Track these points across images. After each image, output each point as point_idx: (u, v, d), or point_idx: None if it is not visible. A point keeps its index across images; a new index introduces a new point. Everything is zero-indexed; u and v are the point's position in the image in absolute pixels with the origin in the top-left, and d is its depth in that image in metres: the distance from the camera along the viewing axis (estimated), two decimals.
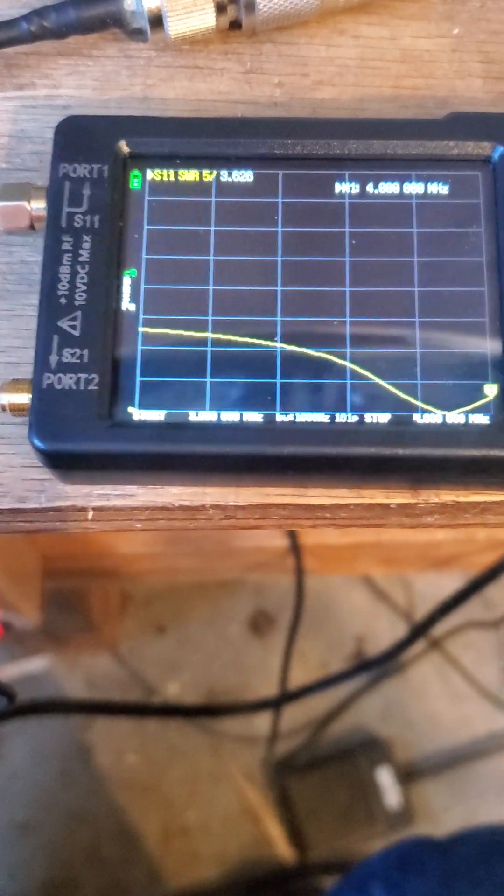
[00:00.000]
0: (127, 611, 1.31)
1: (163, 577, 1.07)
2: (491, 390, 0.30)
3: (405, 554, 0.94)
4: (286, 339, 0.30)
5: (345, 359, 0.30)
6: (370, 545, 0.90)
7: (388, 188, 0.32)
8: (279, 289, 0.30)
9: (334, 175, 0.32)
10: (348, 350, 0.30)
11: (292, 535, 0.87)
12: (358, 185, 0.32)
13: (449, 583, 1.09)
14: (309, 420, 0.29)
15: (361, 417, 0.30)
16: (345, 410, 0.30)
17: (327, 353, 0.30)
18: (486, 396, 0.30)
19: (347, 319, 0.30)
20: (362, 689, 1.27)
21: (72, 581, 0.97)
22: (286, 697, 1.07)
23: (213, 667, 1.29)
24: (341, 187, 0.32)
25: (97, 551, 0.89)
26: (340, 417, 0.30)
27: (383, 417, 0.30)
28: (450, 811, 1.24)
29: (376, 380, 0.30)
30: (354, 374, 0.30)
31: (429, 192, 0.32)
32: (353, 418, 0.30)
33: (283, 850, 1.22)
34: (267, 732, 1.21)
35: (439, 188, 0.31)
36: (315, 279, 0.30)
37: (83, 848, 1.23)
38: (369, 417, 0.30)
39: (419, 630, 1.02)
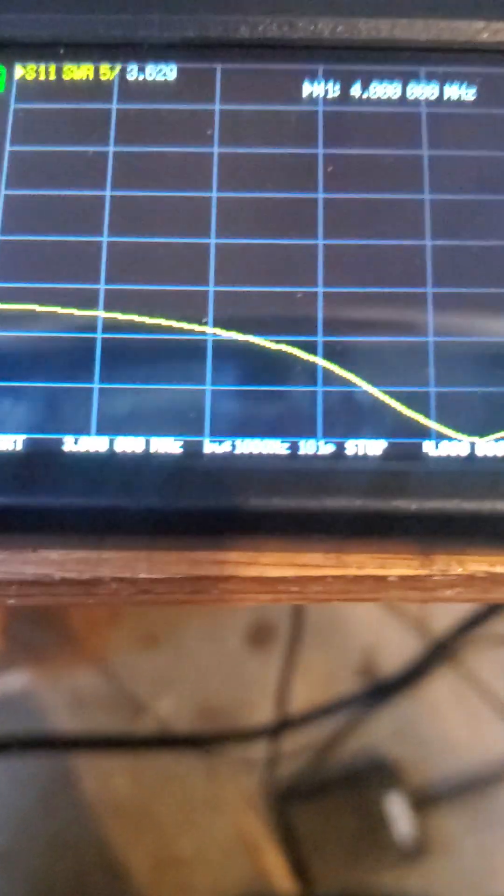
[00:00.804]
0: (116, 621, 1.23)
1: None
2: None
3: None
4: (221, 321, 0.19)
5: (314, 351, 0.19)
6: None
7: (384, 91, 0.20)
8: (212, 241, 0.19)
9: (301, 71, 0.20)
10: (320, 339, 0.19)
11: None
12: (337, 86, 0.20)
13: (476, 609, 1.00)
14: (257, 452, 0.18)
15: (340, 447, 0.18)
16: (314, 436, 0.18)
17: (288, 342, 0.19)
18: None
19: (319, 290, 0.19)
20: (371, 708, 1.19)
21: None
22: (285, 725, 0.98)
23: (209, 682, 1.21)
24: (312, 89, 0.20)
25: None
26: (306, 447, 0.18)
27: (375, 447, 0.19)
28: (467, 841, 1.16)
29: (364, 385, 0.19)
30: (329, 377, 0.19)
31: (445, 97, 0.20)
32: (328, 448, 0.19)
33: (285, 883, 1.15)
34: (267, 755, 1.13)
35: (462, 92, 0.20)
36: (270, 227, 0.19)
37: (67, 879, 1.15)
38: (353, 447, 0.19)
39: (439, 649, 0.93)
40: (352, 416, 0.19)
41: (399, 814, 1.12)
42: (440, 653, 1.20)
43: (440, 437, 0.19)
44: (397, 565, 0.21)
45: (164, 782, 1.17)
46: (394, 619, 1.23)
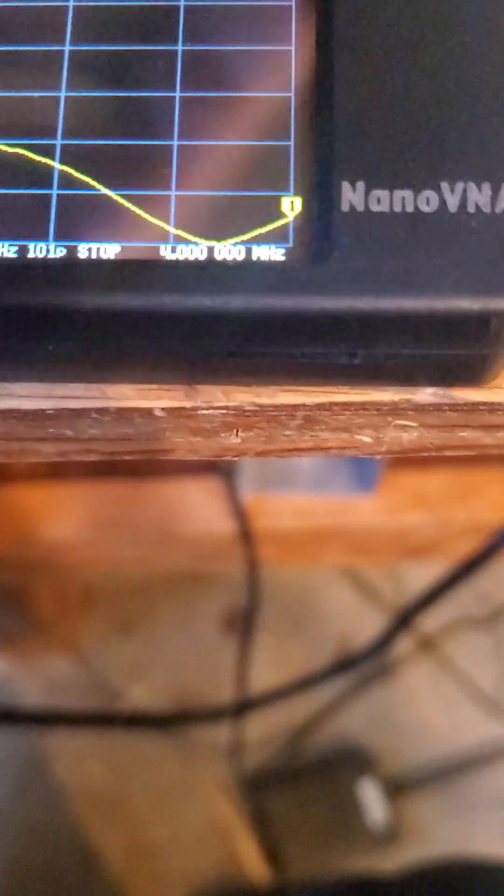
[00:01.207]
0: (90, 608, 1.22)
1: (99, 568, 0.98)
2: (291, 206, 0.19)
3: (376, 542, 0.84)
4: None
5: (51, 155, 0.19)
6: (333, 532, 0.80)
7: None
8: None
9: None
10: (58, 142, 0.19)
11: (241, 520, 0.77)
12: None
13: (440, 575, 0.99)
14: None
15: (71, 251, 0.18)
16: (45, 239, 0.18)
17: (21, 145, 0.19)
18: (282, 216, 0.19)
19: (62, 94, 0.19)
20: (345, 693, 1.18)
21: (2, 575, 0.87)
22: (249, 704, 0.97)
23: (182, 669, 1.20)
24: None
25: (22, 539, 0.79)
26: (36, 250, 0.18)
27: (109, 250, 0.18)
28: (440, 827, 1.15)
29: (102, 189, 0.19)
30: (66, 180, 0.19)
31: None
32: (59, 252, 0.19)
33: (258, 869, 1.14)
34: (240, 741, 1.13)
35: None
36: (16, 34, 0.19)
37: (40, 865, 1.14)
38: (85, 251, 0.18)
39: (403, 621, 0.92)
40: (85, 220, 0.19)
41: (372, 800, 1.11)
42: (415, 639, 1.19)
43: (179, 241, 0.18)
44: (162, 396, 0.21)
45: (137, 768, 1.17)
46: (369, 605, 1.22)
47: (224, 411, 0.21)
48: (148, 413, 0.21)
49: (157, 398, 0.21)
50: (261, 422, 0.22)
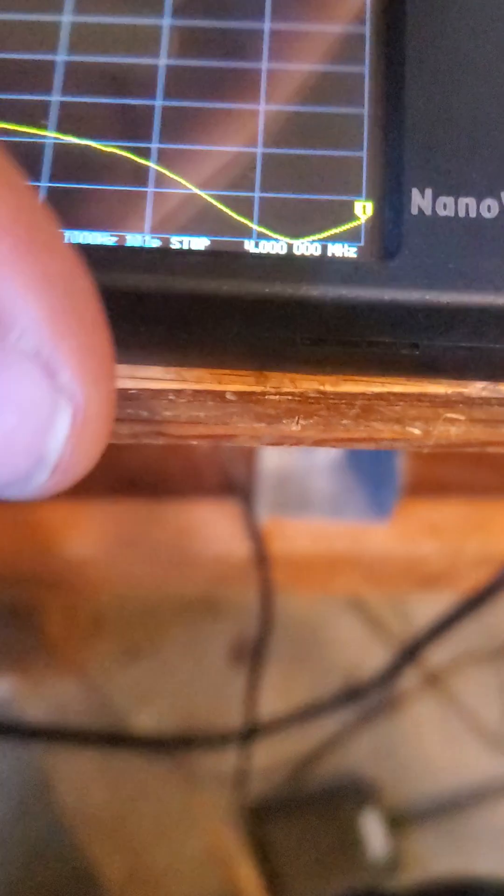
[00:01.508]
0: (97, 632, 1.23)
1: (114, 588, 0.99)
2: (363, 210, 0.21)
3: (389, 570, 0.85)
4: (64, 125, 0.21)
5: (148, 157, 0.21)
6: (347, 558, 0.81)
7: None
8: (60, 58, 0.21)
9: None
10: (154, 145, 0.21)
11: (257, 543, 0.78)
12: None
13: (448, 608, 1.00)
14: (86, 242, 0.20)
15: (165, 242, 0.20)
16: (141, 232, 0.20)
17: (122, 147, 0.21)
18: (355, 219, 0.21)
19: (158, 103, 0.21)
20: (350, 725, 1.18)
21: (17, 590, 0.88)
22: (254, 732, 0.97)
23: (189, 696, 1.21)
24: None
25: (40, 554, 0.80)
26: (133, 240, 0.20)
27: (199, 243, 0.20)
28: (442, 860, 1.15)
29: (193, 189, 0.20)
30: (161, 180, 0.20)
31: None
32: (154, 243, 0.20)
33: None
34: (244, 769, 1.13)
35: None
36: (116, 45, 0.21)
37: (39, 887, 1.14)
38: (177, 242, 0.20)
39: (409, 654, 0.93)
40: (177, 215, 0.20)
41: (375, 832, 1.11)
42: (421, 672, 1.20)
43: (261, 237, 0.20)
44: (234, 382, 0.22)
45: (140, 793, 1.17)
46: (376, 638, 1.23)
47: (290, 398, 0.23)
48: (220, 396, 0.23)
49: (229, 383, 0.22)
50: (321, 409, 0.23)
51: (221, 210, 0.20)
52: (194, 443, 0.24)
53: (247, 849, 1.14)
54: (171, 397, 0.22)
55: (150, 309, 0.20)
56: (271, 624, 0.87)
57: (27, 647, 1.08)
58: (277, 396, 0.22)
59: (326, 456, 0.79)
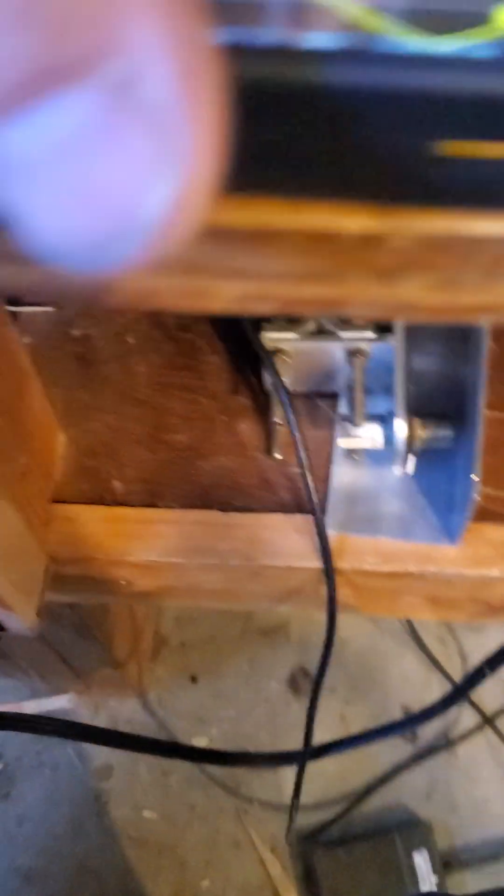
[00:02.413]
0: (160, 655, 1.25)
1: (179, 599, 1.00)
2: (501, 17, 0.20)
3: (454, 593, 0.85)
4: None
5: None
6: (414, 577, 0.82)
7: None
8: None
9: None
10: None
11: (326, 558, 0.80)
12: None
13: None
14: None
15: (290, 40, 0.19)
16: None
17: None
18: (495, 27, 0.19)
19: None
20: (406, 763, 1.18)
21: (83, 594, 0.90)
22: (308, 760, 0.97)
23: (245, 724, 1.21)
24: None
25: (109, 558, 0.82)
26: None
27: (329, 40, 0.19)
28: None
29: None
30: None
31: None
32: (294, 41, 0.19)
33: None
34: (296, 800, 1.13)
35: None
36: None
37: None
38: (306, 41, 0.19)
39: (464, 691, 0.93)
40: (304, 16, 0.20)
41: (423, 872, 1.10)
42: (477, 713, 1.19)
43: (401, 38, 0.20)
44: (353, 216, 0.21)
45: (191, 818, 1.17)
46: (435, 676, 1.23)
47: (413, 243, 0.21)
48: (335, 239, 0.21)
49: (348, 218, 0.21)
50: (450, 259, 0.22)
51: (350, 10, 0.20)
52: (303, 311, 0.23)
53: (294, 878, 1.14)
54: (285, 238, 0.21)
55: (272, 107, 0.19)
56: (333, 647, 0.88)
57: (91, 662, 1.10)
58: (400, 241, 0.21)
59: (397, 478, 0.80)
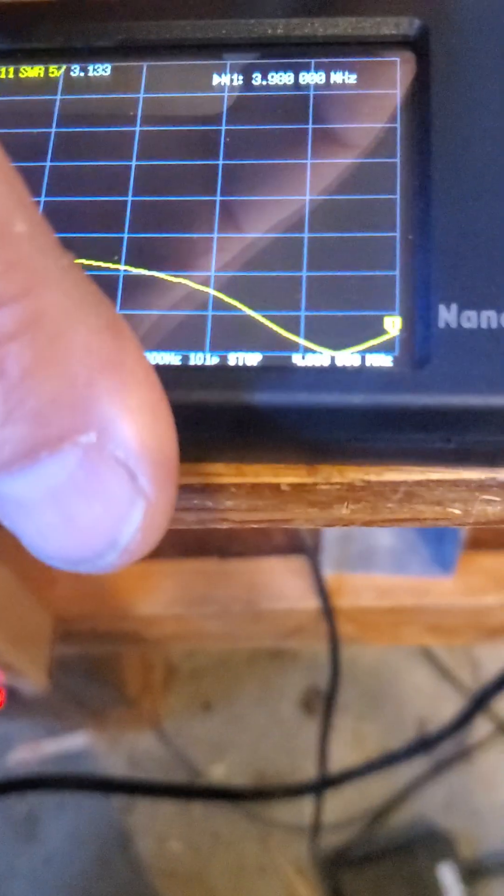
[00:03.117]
0: (171, 685, 1.26)
1: (186, 643, 1.01)
2: (393, 325, 0.24)
3: (453, 622, 0.86)
4: (132, 259, 0.24)
5: (207, 284, 0.24)
6: (412, 611, 0.83)
7: (279, 79, 0.26)
8: (129, 199, 0.24)
9: (211, 66, 0.26)
10: (213, 273, 0.24)
11: (324, 598, 0.80)
12: (240, 77, 0.26)
13: None
14: (153, 363, 0.23)
15: (223, 359, 0.23)
16: (202, 350, 0.23)
17: (184, 276, 0.24)
18: (386, 333, 0.24)
19: (215, 236, 0.24)
20: (424, 776, 1.18)
21: (93, 646, 0.91)
22: (327, 783, 0.98)
23: (261, 748, 1.22)
24: (220, 80, 0.26)
25: (115, 613, 0.83)
26: (195, 359, 0.23)
27: (252, 359, 0.23)
28: None
29: (246, 311, 0.23)
30: (218, 304, 0.23)
31: (332, 81, 0.25)
32: (213, 360, 0.23)
33: None
34: (319, 821, 1.14)
35: (345, 77, 0.25)
36: (176, 187, 0.24)
37: None
38: (234, 359, 0.23)
39: (478, 703, 0.94)
40: (234, 335, 0.24)
41: (450, 884, 1.11)
42: (493, 722, 1.20)
43: (307, 350, 0.23)
44: (288, 474, 0.25)
45: (216, 846, 1.18)
46: (446, 688, 1.24)
47: (339, 487, 0.25)
48: (276, 488, 0.25)
49: (284, 475, 0.25)
50: (368, 496, 0.26)
51: (271, 328, 0.23)
52: (254, 526, 0.27)
53: None
54: (232, 490, 0.25)
55: (213, 418, 0.23)
56: (339, 676, 0.89)
57: (105, 702, 1.11)
58: (327, 486, 0.25)
59: None
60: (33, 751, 1.19)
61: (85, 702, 1.09)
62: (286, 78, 0.26)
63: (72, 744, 1.21)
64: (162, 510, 0.20)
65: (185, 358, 0.24)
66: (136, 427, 0.19)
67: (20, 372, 0.17)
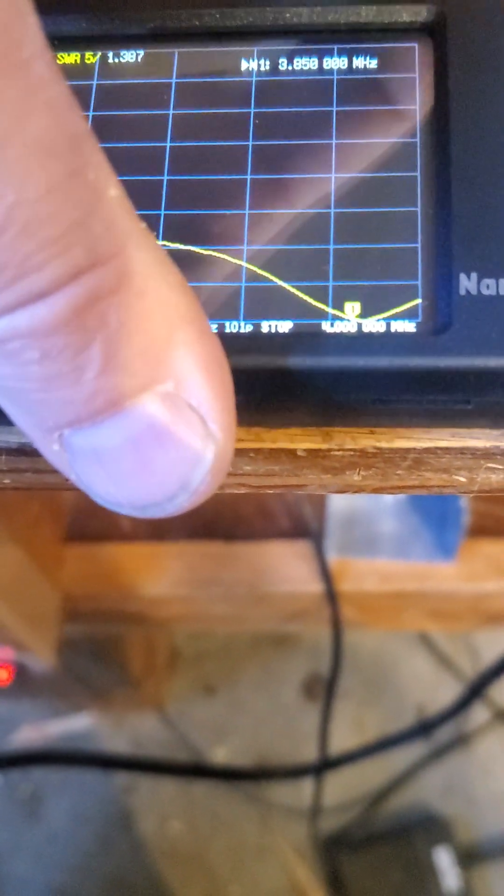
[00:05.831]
0: (175, 669, 1.27)
1: (191, 625, 1.03)
2: (420, 292, 0.25)
3: (454, 608, 0.88)
4: (169, 235, 0.26)
5: (240, 257, 0.25)
6: (414, 596, 0.84)
7: (304, 64, 0.27)
8: (165, 178, 0.26)
9: (240, 52, 0.28)
10: (245, 247, 0.26)
11: (327, 582, 0.82)
12: (267, 63, 0.27)
13: None
14: None
15: (257, 327, 0.25)
16: (237, 319, 0.25)
17: (218, 250, 0.25)
18: (413, 300, 0.25)
19: (247, 212, 0.26)
20: (423, 761, 1.20)
21: (99, 626, 0.92)
22: (327, 765, 1.00)
23: (263, 732, 1.24)
24: (248, 65, 0.27)
25: (121, 593, 0.85)
26: (231, 327, 0.25)
27: (284, 326, 0.25)
28: None
29: (278, 282, 0.25)
30: (251, 276, 0.25)
31: (354, 66, 0.27)
32: (247, 328, 0.25)
33: None
34: (318, 804, 1.15)
35: (366, 62, 0.27)
36: (209, 166, 0.26)
37: None
38: (267, 327, 0.25)
39: (477, 690, 0.96)
40: (266, 304, 0.25)
41: (447, 868, 1.13)
42: (491, 709, 1.21)
43: (335, 318, 0.25)
44: (304, 441, 0.27)
45: (217, 827, 1.20)
46: (445, 674, 1.25)
47: (351, 453, 0.27)
48: (292, 453, 0.27)
49: (300, 441, 0.27)
50: (378, 462, 0.27)
51: (301, 297, 0.25)
52: (270, 492, 0.28)
53: (320, 881, 1.16)
54: (251, 454, 0.27)
55: (248, 382, 0.25)
56: (342, 660, 0.91)
57: (108, 684, 1.12)
58: (341, 452, 0.27)
59: (392, 499, 0.82)
60: (38, 731, 1.21)
61: (89, 683, 1.10)
62: (311, 63, 0.28)
63: (76, 724, 1.22)
64: (228, 453, 0.21)
65: (221, 326, 0.25)
66: (207, 376, 0.20)
67: (118, 324, 0.19)
